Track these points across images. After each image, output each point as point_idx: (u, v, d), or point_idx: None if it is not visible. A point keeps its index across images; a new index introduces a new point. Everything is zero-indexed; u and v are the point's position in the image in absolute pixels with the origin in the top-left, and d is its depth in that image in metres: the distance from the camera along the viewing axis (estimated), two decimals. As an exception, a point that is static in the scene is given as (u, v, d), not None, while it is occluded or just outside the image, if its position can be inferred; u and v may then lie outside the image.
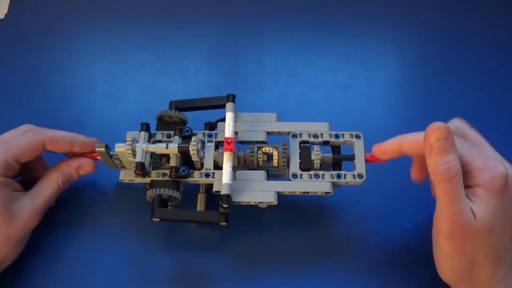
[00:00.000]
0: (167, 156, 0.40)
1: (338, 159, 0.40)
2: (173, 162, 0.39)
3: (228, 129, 0.40)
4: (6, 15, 0.55)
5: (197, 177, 0.39)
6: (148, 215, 0.39)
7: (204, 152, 0.40)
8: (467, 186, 0.34)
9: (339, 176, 0.39)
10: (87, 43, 0.54)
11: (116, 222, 0.43)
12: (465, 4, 0.57)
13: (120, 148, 0.39)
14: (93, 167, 0.42)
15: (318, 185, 0.39)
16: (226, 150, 0.39)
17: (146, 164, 0.39)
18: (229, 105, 0.41)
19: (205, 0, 0.57)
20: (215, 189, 0.39)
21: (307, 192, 0.39)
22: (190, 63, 0.53)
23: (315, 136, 0.41)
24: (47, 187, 0.40)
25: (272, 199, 0.38)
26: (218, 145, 0.41)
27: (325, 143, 0.41)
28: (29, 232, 0.39)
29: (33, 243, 0.41)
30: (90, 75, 0.52)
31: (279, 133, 0.41)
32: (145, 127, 0.40)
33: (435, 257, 0.36)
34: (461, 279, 0.35)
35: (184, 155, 0.39)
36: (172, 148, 0.39)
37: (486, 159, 0.34)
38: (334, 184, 0.39)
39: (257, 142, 0.41)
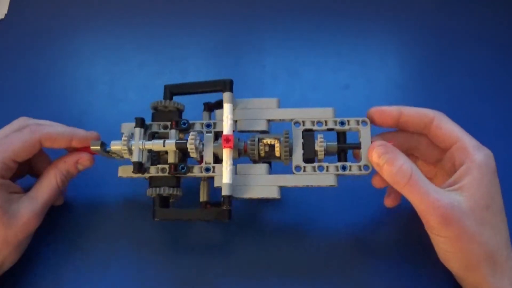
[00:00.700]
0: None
1: (344, 147, 0.39)
2: (171, 159, 0.38)
3: (226, 124, 0.38)
4: (6, 15, 0.55)
5: (197, 172, 0.39)
6: (148, 217, 0.39)
7: (203, 145, 0.39)
8: (461, 162, 0.35)
9: (344, 168, 0.38)
10: (87, 43, 0.54)
11: (115, 224, 0.43)
12: (465, 4, 0.57)
13: (116, 146, 0.38)
14: (91, 161, 0.40)
15: (322, 178, 0.38)
16: (225, 147, 0.37)
17: (144, 160, 0.39)
18: (226, 96, 0.39)
19: (205, 0, 0.57)
20: (216, 184, 0.38)
21: (311, 185, 0.38)
22: (190, 63, 0.53)
23: (319, 123, 0.39)
24: (46, 187, 0.39)
25: (275, 194, 0.37)
26: (218, 135, 0.40)
27: (329, 130, 0.39)
28: (29, 235, 0.38)
29: (33, 248, 0.40)
30: (90, 75, 0.52)
31: (281, 120, 0.40)
32: (140, 123, 0.39)
33: (440, 255, 0.36)
34: (471, 266, 0.34)
35: (183, 151, 0.39)
36: (170, 145, 0.38)
37: (476, 141, 0.36)
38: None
39: (258, 131, 0.39)
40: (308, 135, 0.38)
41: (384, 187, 0.39)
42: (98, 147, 0.39)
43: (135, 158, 0.38)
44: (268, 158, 0.39)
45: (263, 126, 0.39)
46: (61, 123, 0.41)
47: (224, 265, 0.41)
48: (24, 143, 0.38)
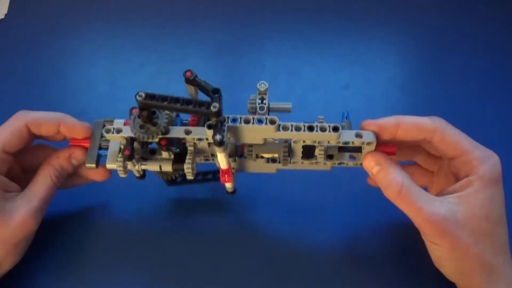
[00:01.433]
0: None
1: (344, 149, 0.37)
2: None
3: (222, 163, 0.35)
4: (6, 15, 0.55)
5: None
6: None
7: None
8: (465, 175, 0.34)
9: (340, 164, 0.37)
10: (87, 43, 0.54)
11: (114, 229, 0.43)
12: (464, 5, 0.57)
13: (111, 165, 0.37)
14: (84, 155, 0.39)
15: (319, 167, 0.38)
16: (223, 182, 0.37)
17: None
18: (219, 152, 0.34)
19: (205, 0, 0.57)
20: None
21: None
22: (190, 63, 0.53)
23: (321, 141, 0.36)
24: (41, 185, 0.37)
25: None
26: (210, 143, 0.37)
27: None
28: (28, 236, 0.37)
29: (34, 255, 0.40)
30: (90, 75, 0.52)
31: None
32: (131, 148, 0.36)
33: (434, 260, 0.36)
34: (465, 273, 0.34)
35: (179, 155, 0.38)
36: (166, 166, 0.37)
37: (483, 149, 0.35)
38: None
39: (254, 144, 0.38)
40: (308, 146, 0.37)
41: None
42: (94, 165, 0.38)
43: (137, 174, 0.39)
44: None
45: (260, 142, 0.36)
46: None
47: (217, 263, 0.41)
48: (11, 132, 0.36)
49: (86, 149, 0.39)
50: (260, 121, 0.34)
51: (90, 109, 0.49)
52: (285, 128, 0.34)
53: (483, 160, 0.34)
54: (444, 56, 0.53)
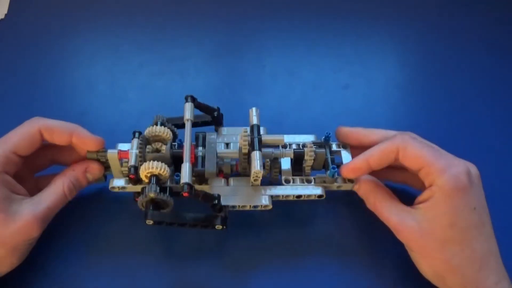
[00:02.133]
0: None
1: (329, 160, 0.40)
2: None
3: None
4: (6, 15, 0.55)
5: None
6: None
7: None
8: (429, 185, 0.36)
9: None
10: (87, 43, 0.54)
11: (110, 231, 0.42)
12: (464, 5, 0.57)
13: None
14: (101, 170, 0.39)
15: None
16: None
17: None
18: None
19: (205, 0, 0.57)
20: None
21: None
22: (190, 63, 0.53)
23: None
24: (51, 194, 0.37)
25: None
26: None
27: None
28: (29, 241, 0.36)
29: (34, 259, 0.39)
30: (90, 75, 0.52)
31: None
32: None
33: (414, 262, 0.37)
34: (438, 277, 0.36)
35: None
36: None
37: (447, 159, 0.36)
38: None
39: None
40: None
41: None
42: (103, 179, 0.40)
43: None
44: None
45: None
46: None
47: (216, 268, 0.40)
48: (23, 134, 0.37)
49: (102, 164, 0.39)
50: (255, 206, 0.39)
51: (90, 109, 0.49)
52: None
53: (444, 171, 0.35)
54: (444, 56, 0.53)
